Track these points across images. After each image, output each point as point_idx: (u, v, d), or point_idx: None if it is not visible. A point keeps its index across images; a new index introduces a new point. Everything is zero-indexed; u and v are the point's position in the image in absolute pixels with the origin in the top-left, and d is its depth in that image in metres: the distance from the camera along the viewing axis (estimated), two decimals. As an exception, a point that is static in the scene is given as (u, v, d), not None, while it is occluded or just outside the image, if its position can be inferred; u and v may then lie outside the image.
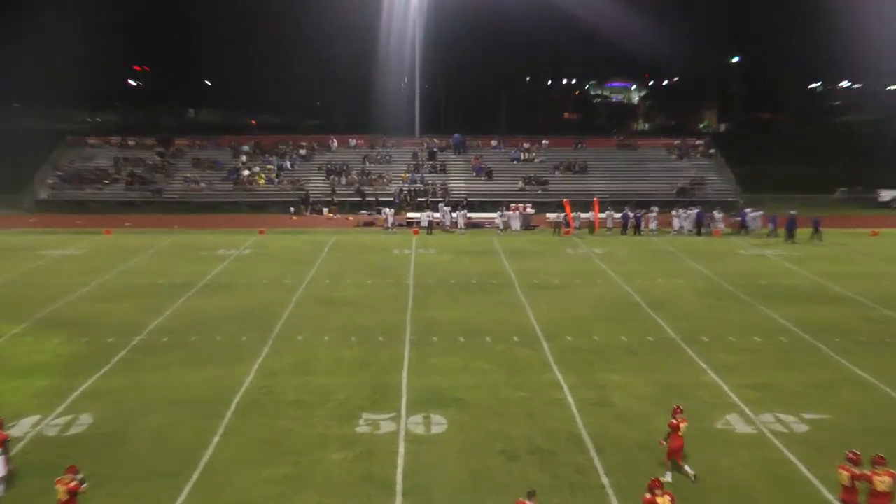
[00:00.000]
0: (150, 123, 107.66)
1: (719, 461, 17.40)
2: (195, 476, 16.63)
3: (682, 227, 50.42)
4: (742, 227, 50.36)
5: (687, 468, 16.96)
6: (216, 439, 18.40)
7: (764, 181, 67.29)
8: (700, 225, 50.26)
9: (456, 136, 69.92)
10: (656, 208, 51.94)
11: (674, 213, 51.23)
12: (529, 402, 20.86)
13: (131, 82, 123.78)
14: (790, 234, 47.34)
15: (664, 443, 17.05)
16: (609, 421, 19.60)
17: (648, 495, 13.90)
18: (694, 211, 51.24)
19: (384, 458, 17.49)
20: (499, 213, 51.32)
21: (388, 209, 52.91)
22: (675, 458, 16.88)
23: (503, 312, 30.05)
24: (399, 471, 16.91)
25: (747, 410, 20.33)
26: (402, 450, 17.87)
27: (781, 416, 20.03)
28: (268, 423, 19.35)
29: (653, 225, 50.31)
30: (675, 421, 16.90)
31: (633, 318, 29.41)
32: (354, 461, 17.31)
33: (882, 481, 14.21)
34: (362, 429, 19.05)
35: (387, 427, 19.18)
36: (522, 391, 21.60)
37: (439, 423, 19.42)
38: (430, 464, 17.22)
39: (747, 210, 51.67)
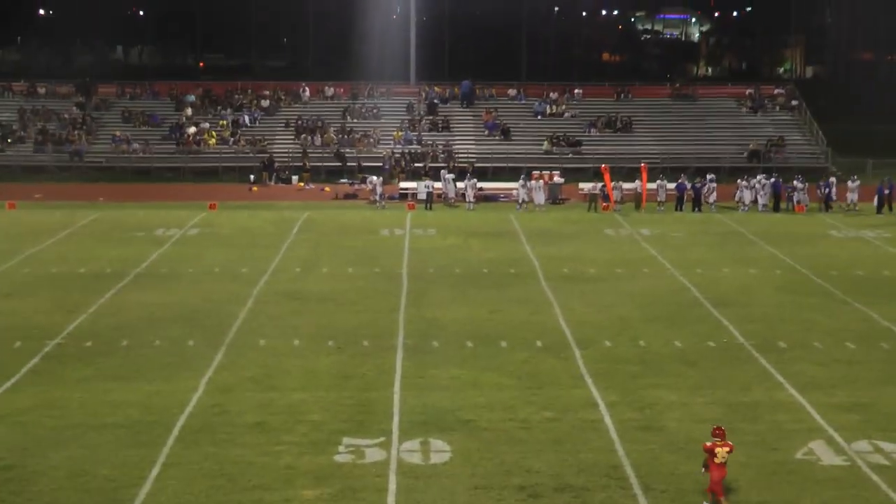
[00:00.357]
0: (66, 65, 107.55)
1: (800, 502, 17.50)
2: (127, 519, 16.80)
3: (755, 201, 50.48)
4: (826, 203, 50.30)
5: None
6: (154, 474, 18.52)
7: (864, 142, 67.19)
8: (778, 198, 50.37)
9: (464, 83, 69.89)
10: (712, 176, 52.02)
11: (742, 182, 51.26)
12: (556, 425, 21.00)
13: (41, 11, 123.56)
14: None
15: (705, 470, 17.23)
16: (659, 451, 19.73)
17: None
18: (770, 180, 51.34)
19: (370, 495, 17.61)
20: (521, 181, 51.23)
21: (375, 177, 52.99)
22: (714, 491, 17.04)
23: (523, 311, 30.18)
24: (389, 513, 17.07)
25: (837, 437, 20.44)
26: (392, 485, 18.00)
27: (882, 444, 20.12)
28: (221, 453, 19.47)
29: (711, 198, 50.40)
30: (709, 444, 17.12)
31: (691, 318, 29.53)
32: (332, 500, 17.45)
33: None
34: (342, 458, 19.18)
35: (374, 456, 19.31)
36: (548, 411, 21.74)
37: (441, 451, 19.56)
38: (429, 503, 17.39)
39: (833, 180, 51.63)
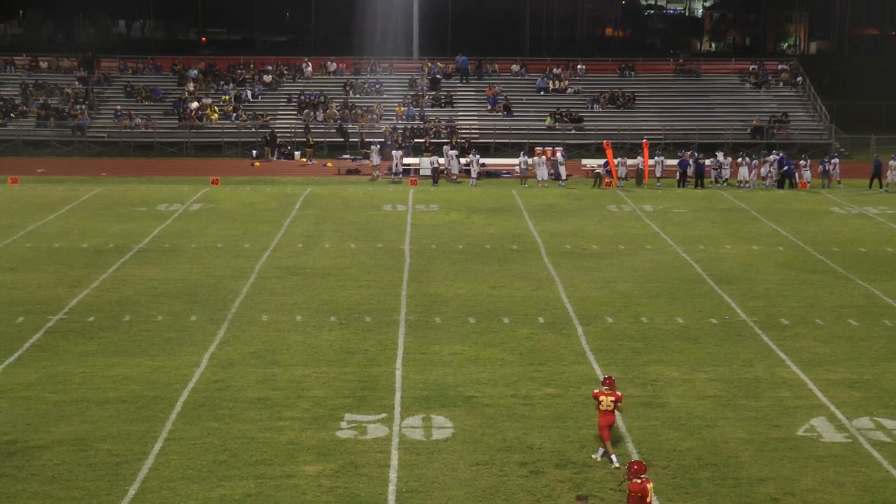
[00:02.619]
0: (68, 39, 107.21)
1: (801, 479, 17.54)
2: (129, 496, 16.83)
3: (765, 177, 50.26)
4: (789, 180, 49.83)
5: (613, 457, 17.92)
6: (156, 449, 18.58)
7: (868, 118, 66.98)
8: (783, 176, 50.15)
9: (462, 58, 69.59)
10: (687, 152, 52.06)
11: (734, 160, 50.92)
12: (558, 401, 21.04)
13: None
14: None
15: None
16: (661, 427, 19.76)
17: (637, 480, 14.62)
18: (776, 157, 51.13)
19: (372, 471, 17.66)
20: (542, 157, 51.52)
21: (397, 152, 53.24)
22: (602, 435, 18.14)
23: (526, 287, 30.18)
24: (391, 488, 17.10)
25: (839, 414, 20.46)
26: (395, 461, 18.05)
27: (884, 421, 20.17)
28: (223, 428, 19.53)
29: (725, 173, 50.14)
30: (596, 391, 18.39)
31: (694, 294, 29.53)
32: (334, 476, 17.50)
33: None
34: (344, 434, 19.23)
35: (376, 432, 19.36)
36: (550, 387, 21.76)
37: (443, 427, 19.60)
38: (431, 479, 17.40)
39: (789, 160, 51.14)
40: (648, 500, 14.63)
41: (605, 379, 18.82)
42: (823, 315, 27.46)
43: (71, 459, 18.06)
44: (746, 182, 50.07)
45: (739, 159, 50.91)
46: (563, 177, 50.15)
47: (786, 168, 50.00)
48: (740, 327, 26.35)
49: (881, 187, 49.26)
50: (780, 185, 50.08)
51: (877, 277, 31.58)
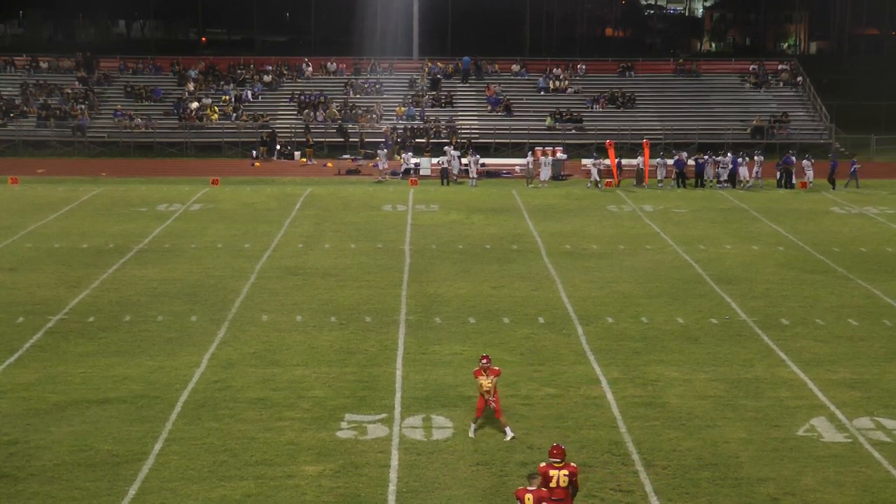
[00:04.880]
0: (68, 39, 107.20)
1: (801, 479, 17.54)
2: (129, 496, 16.83)
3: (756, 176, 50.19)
4: (736, 181, 49.62)
5: (508, 429, 19.12)
6: (156, 449, 18.59)
7: (869, 118, 67.02)
8: (734, 175, 49.67)
9: (465, 58, 69.59)
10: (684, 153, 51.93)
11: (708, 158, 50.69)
12: (558, 401, 21.04)
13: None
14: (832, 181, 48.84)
15: (493, 404, 19.22)
16: (661, 427, 19.76)
17: (543, 464, 14.98)
18: (728, 157, 50.55)
19: (372, 471, 17.67)
20: (547, 157, 51.69)
21: (408, 153, 53.45)
22: (496, 410, 19.15)
23: (526, 287, 30.18)
24: (391, 488, 17.10)
25: (839, 414, 20.46)
26: (395, 461, 18.06)
27: (884, 421, 20.16)
28: (223, 429, 19.53)
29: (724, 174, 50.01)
30: (496, 369, 19.42)
31: (694, 295, 29.52)
32: (334, 476, 17.51)
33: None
34: (345, 434, 19.23)
35: (376, 432, 19.36)
36: (550, 388, 21.77)
37: (443, 428, 19.60)
38: (431, 479, 17.41)
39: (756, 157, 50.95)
40: (553, 485, 14.70)
41: (485, 357, 19.37)
42: (823, 315, 27.47)
43: (71, 460, 18.06)
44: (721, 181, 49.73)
45: (707, 157, 50.79)
46: (599, 179, 49.38)
47: (732, 166, 49.79)
48: (740, 327, 26.36)
49: (842, 186, 48.99)
50: (788, 184, 49.59)
51: (877, 277, 31.59)
